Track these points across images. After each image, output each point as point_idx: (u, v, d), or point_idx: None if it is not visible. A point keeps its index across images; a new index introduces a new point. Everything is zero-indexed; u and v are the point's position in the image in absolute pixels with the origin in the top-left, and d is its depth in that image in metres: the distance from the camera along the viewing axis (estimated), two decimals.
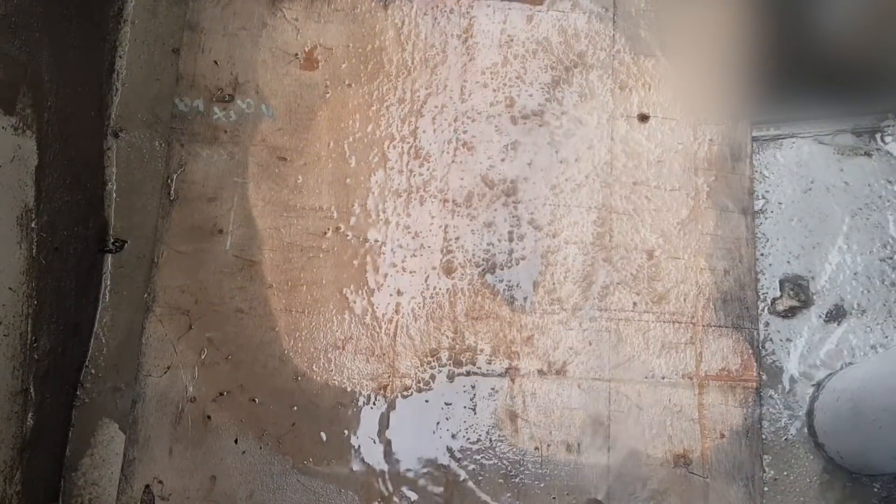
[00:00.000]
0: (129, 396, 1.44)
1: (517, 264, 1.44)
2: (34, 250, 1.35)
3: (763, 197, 1.43)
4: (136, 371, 1.44)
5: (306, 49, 1.55)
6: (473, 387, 1.40)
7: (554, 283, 1.43)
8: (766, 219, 1.42)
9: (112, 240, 1.52)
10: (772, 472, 1.32)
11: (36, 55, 1.34)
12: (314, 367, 1.42)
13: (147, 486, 1.39)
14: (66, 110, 1.43)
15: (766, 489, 1.31)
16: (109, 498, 1.40)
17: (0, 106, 1.27)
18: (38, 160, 1.36)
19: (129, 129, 1.56)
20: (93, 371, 1.47)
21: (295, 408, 1.41)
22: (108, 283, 1.51)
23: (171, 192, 1.51)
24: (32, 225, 1.35)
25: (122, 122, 1.57)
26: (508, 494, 1.35)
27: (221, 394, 1.42)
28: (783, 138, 1.44)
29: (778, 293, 1.38)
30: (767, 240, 1.41)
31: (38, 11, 1.35)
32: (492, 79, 1.51)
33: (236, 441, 1.40)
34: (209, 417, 1.41)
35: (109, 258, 1.51)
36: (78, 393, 1.46)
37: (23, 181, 1.34)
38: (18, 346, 1.32)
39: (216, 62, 1.54)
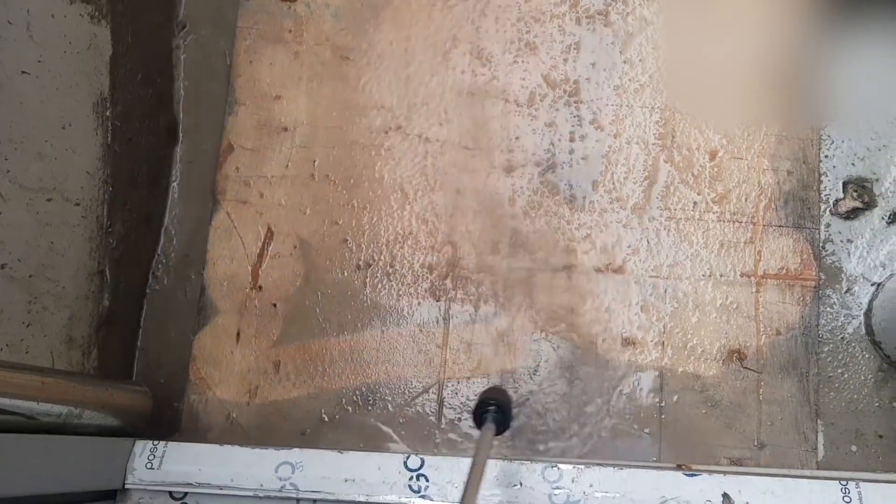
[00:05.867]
0: (199, 285, 1.49)
1: (578, 164, 1.45)
2: (109, 138, 1.40)
3: (831, 97, 1.41)
4: (204, 261, 1.49)
5: None
6: (531, 279, 1.42)
7: (614, 183, 1.44)
8: (832, 120, 1.41)
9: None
10: (827, 369, 1.33)
11: None
12: (376, 258, 1.46)
13: None
14: (137, 4, 1.46)
15: (819, 386, 1.33)
16: (181, 381, 1.46)
17: None
18: (112, 50, 1.40)
19: (196, 27, 1.59)
20: (163, 261, 1.52)
21: (359, 297, 1.45)
22: (178, 177, 1.55)
23: (237, 90, 1.55)
24: (107, 113, 1.40)
25: (189, 20, 1.59)
26: (565, 383, 1.38)
27: (287, 284, 1.47)
28: (855, 40, 1.42)
29: (841, 194, 1.38)
30: (833, 141, 1.40)
31: None
32: None
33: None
34: (275, 305, 1.46)
35: (179, 153, 1.56)
36: (149, 281, 1.52)
37: (98, 69, 1.38)
38: (95, 228, 1.38)
39: None
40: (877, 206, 1.37)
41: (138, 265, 1.50)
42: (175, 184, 1.55)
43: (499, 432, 1.18)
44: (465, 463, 1.23)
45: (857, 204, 1.36)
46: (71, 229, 1.32)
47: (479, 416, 1.19)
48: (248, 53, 1.56)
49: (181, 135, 1.57)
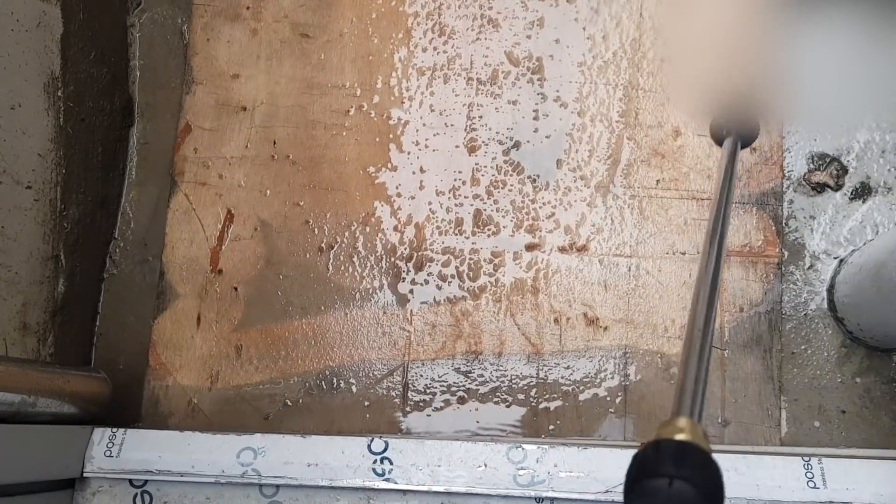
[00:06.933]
0: (157, 269, 1.47)
1: (542, 142, 1.44)
2: (61, 119, 1.36)
3: (795, 72, 1.41)
4: (163, 244, 1.46)
5: None
6: (495, 259, 1.41)
7: (578, 161, 1.42)
8: (796, 95, 1.40)
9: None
10: (790, 345, 1.33)
11: None
12: (339, 239, 1.44)
13: None
14: None
15: (783, 362, 1.33)
16: (141, 366, 1.44)
17: None
18: (63, 28, 1.36)
19: (151, 4, 1.55)
20: (121, 244, 1.49)
21: (321, 280, 1.43)
22: (135, 159, 1.52)
23: (195, 68, 1.51)
24: (59, 93, 1.36)
25: None
26: (528, 362, 1.38)
27: (248, 267, 1.44)
28: (818, 15, 1.41)
29: (805, 169, 1.37)
30: (796, 117, 1.39)
31: None
32: None
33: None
34: (236, 289, 1.44)
35: (135, 135, 1.52)
36: (107, 266, 1.49)
37: (49, 48, 1.34)
38: (48, 212, 1.34)
39: None
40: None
41: (95, 249, 1.47)
42: (131, 165, 1.52)
43: (744, 145, 1.04)
44: (429, 445, 1.23)
45: (829, 181, 1.35)
46: (22, 213, 1.29)
47: (719, 131, 1.04)
48: (205, 31, 1.52)
49: (137, 115, 1.53)
